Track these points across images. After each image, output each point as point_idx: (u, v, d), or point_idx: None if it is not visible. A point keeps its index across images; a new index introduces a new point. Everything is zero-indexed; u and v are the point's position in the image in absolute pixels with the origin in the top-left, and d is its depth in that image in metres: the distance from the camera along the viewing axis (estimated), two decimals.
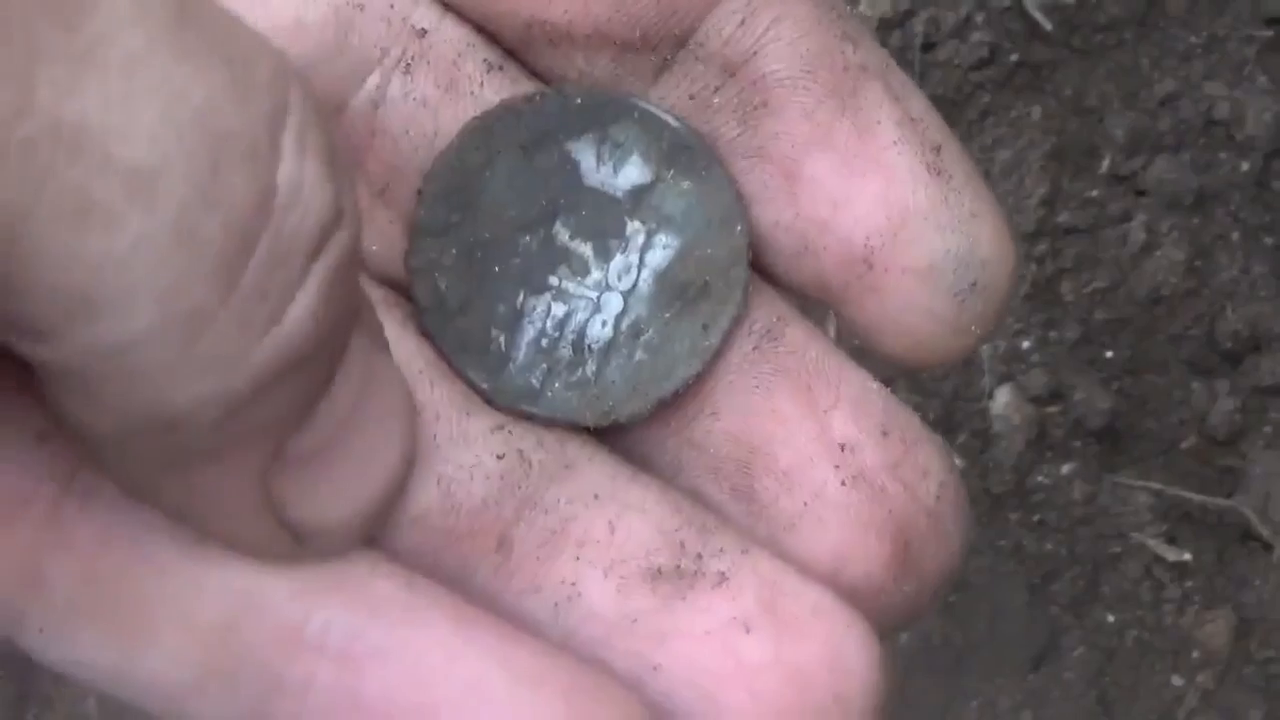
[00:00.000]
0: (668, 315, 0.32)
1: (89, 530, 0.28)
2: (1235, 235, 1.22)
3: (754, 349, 0.32)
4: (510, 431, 0.31)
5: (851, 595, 0.31)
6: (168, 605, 0.28)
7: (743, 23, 0.31)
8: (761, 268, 0.33)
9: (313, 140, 0.25)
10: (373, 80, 0.31)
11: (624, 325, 0.32)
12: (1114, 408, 1.20)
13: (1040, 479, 1.20)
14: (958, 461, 1.19)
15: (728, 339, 0.32)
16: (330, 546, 0.28)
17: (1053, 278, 1.22)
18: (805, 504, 0.31)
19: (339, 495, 0.28)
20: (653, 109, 0.32)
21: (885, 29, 1.21)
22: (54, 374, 0.25)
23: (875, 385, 0.32)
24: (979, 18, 1.22)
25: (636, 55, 0.31)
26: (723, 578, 0.30)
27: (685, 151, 0.32)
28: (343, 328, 0.26)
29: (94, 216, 0.23)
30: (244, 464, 0.27)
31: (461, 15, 0.32)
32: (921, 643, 1.18)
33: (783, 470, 0.31)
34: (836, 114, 0.30)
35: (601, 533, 0.30)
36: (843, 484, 0.31)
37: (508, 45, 0.32)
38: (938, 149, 0.30)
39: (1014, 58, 1.22)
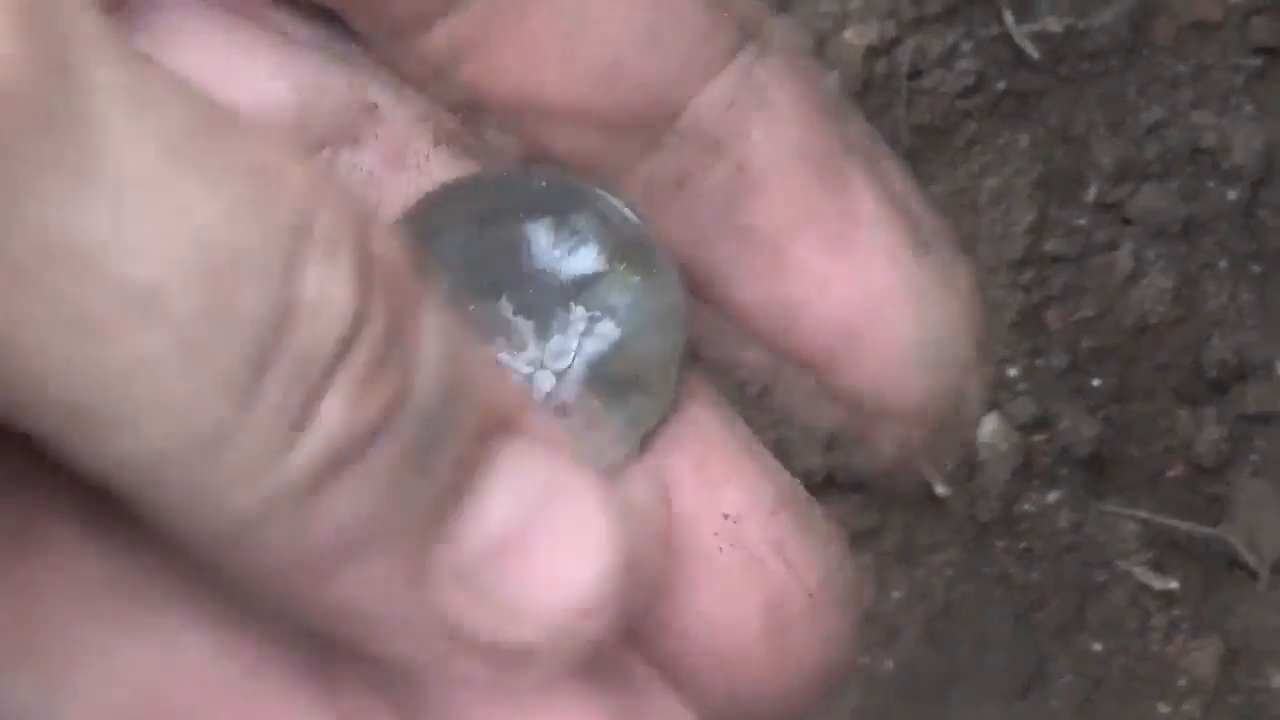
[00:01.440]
0: (596, 402, 0.32)
1: (27, 580, 0.27)
2: (1222, 264, 1.22)
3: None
4: None
5: (722, 668, 0.31)
6: (92, 656, 0.27)
7: (731, 104, 0.31)
8: (747, 338, 0.33)
9: (345, 249, 0.25)
10: (325, 154, 0.32)
11: (552, 405, 0.32)
12: (1100, 436, 1.20)
13: (1026, 507, 1.20)
14: (944, 489, 1.19)
15: (650, 435, 0.32)
16: (537, 669, 0.27)
17: (1039, 306, 1.22)
18: (681, 565, 0.31)
19: (527, 603, 0.27)
20: (614, 202, 0.32)
21: (872, 57, 1.22)
22: (111, 485, 0.25)
23: (778, 470, 0.32)
24: (966, 46, 1.23)
25: (625, 133, 0.32)
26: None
27: (639, 248, 0.32)
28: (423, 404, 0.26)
29: (90, 332, 0.23)
30: (386, 567, 0.26)
31: (448, 88, 0.32)
32: (907, 670, 1.18)
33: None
34: (822, 195, 0.31)
35: None
36: (720, 550, 0.31)
37: (499, 117, 0.32)
38: (918, 227, 0.31)
39: (1001, 86, 1.23)
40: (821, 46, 1.21)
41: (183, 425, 0.24)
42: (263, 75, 0.31)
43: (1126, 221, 1.22)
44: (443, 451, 0.26)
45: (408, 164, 0.32)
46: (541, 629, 0.27)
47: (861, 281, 0.31)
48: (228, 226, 0.23)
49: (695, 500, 0.31)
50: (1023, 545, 1.20)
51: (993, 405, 1.21)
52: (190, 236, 0.23)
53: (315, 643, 0.28)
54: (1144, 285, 1.22)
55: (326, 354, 0.24)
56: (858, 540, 1.18)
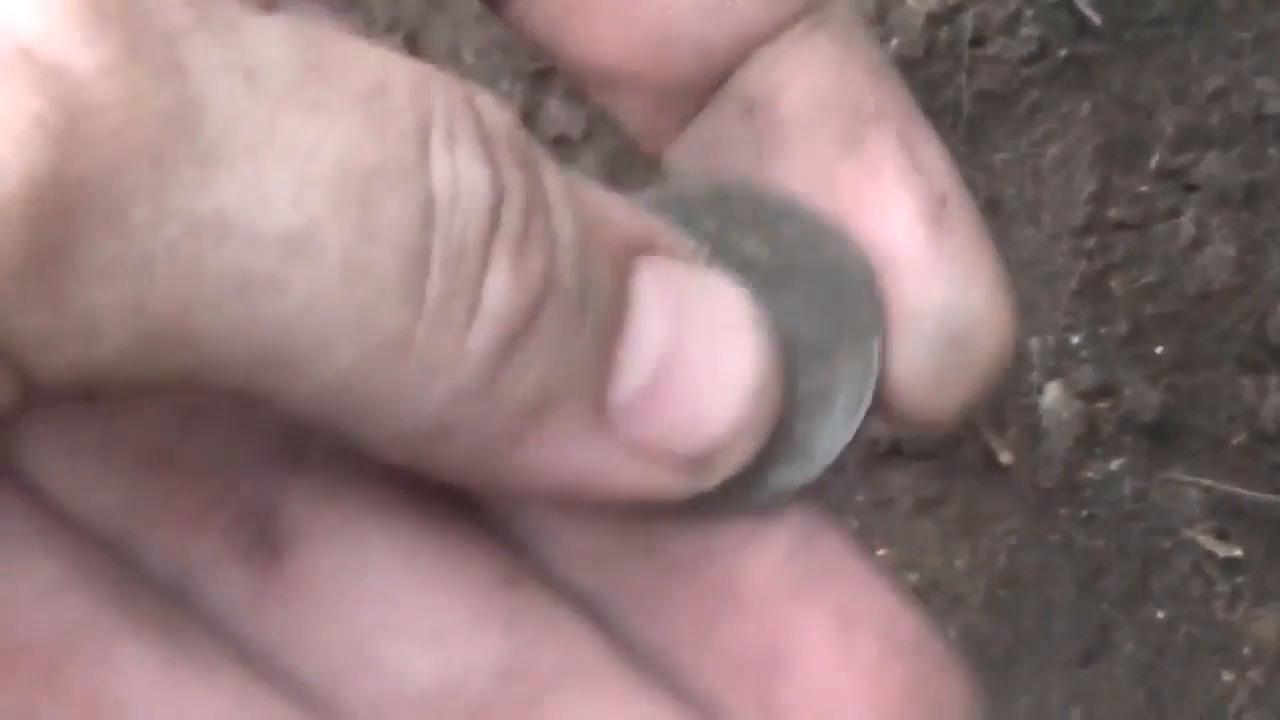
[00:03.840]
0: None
1: (85, 687, 0.28)
2: None
3: (788, 555, 0.31)
4: (522, 622, 0.31)
5: None
6: None
7: (769, 68, 0.31)
8: None
9: (462, 130, 0.26)
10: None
11: None
12: (1164, 403, 1.20)
13: (1090, 475, 1.20)
14: (1008, 458, 1.19)
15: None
16: (722, 468, 0.29)
17: (1102, 273, 1.21)
18: (821, 715, 0.30)
19: (704, 407, 0.28)
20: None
21: (934, 24, 1.21)
22: (304, 418, 0.26)
23: (907, 607, 0.31)
24: (1028, 12, 1.22)
25: (675, 98, 0.32)
26: None
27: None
28: (565, 271, 0.27)
29: (257, 287, 0.24)
30: (570, 419, 0.27)
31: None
32: (970, 639, 1.18)
33: (803, 681, 0.30)
34: (841, 157, 0.31)
35: None
36: (861, 701, 0.30)
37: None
38: (943, 200, 0.30)
39: (1063, 53, 1.22)
40: (884, 13, 1.21)
41: (364, 342, 0.25)
42: None
43: (1189, 188, 1.22)
44: (597, 295, 0.27)
45: None
46: (721, 425, 0.29)
47: (872, 245, 0.30)
48: (355, 151, 0.25)
49: (837, 653, 0.31)
50: (1086, 513, 1.20)
51: (1055, 373, 1.20)
52: (325, 173, 0.24)
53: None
54: (1207, 252, 1.21)
55: (477, 235, 0.26)
56: (921, 509, 1.18)
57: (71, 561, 0.29)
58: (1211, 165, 1.22)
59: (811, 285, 0.31)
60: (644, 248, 0.29)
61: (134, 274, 0.23)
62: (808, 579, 0.31)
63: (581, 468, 0.28)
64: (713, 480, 0.29)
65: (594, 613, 0.31)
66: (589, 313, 0.27)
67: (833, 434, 0.31)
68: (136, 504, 0.30)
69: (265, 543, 0.30)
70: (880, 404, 0.31)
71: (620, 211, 0.29)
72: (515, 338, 0.26)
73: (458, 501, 0.31)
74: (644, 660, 0.31)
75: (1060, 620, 1.19)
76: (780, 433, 0.30)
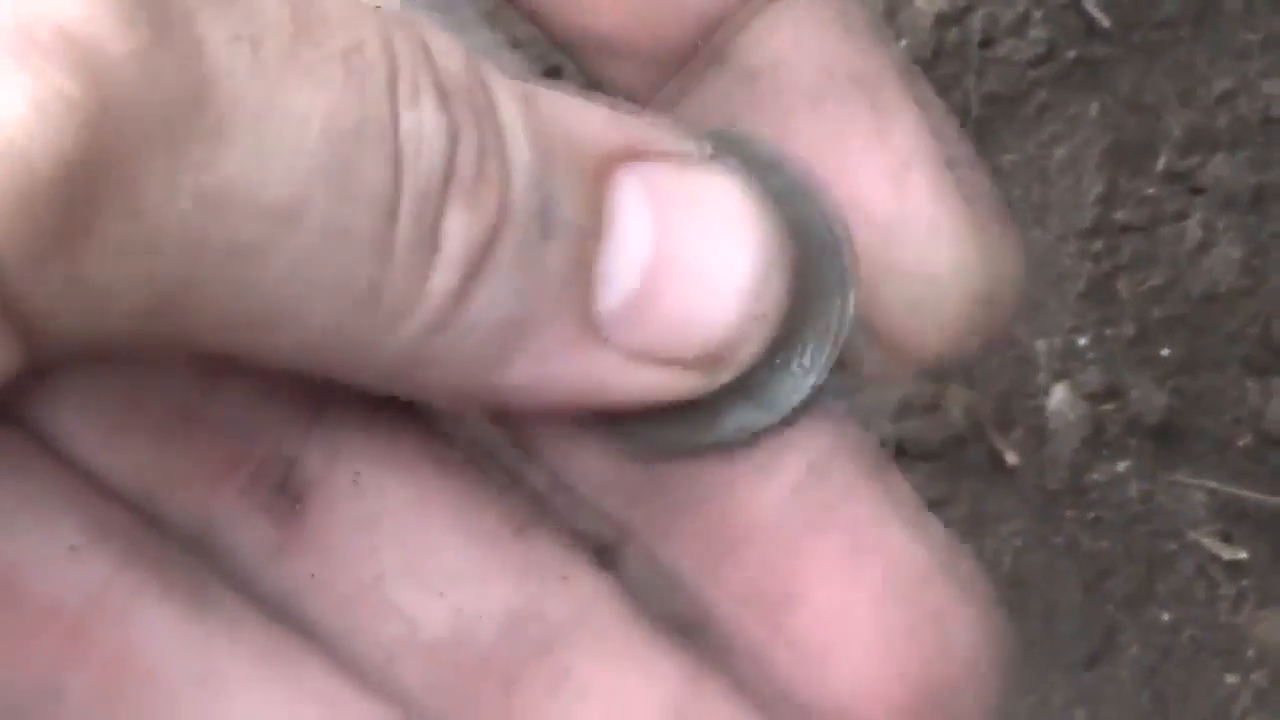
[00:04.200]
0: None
1: (110, 647, 0.28)
2: None
3: (801, 482, 0.31)
4: (534, 571, 0.31)
5: None
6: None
7: (769, 35, 0.32)
8: None
9: (424, 80, 0.26)
10: None
11: None
12: (1170, 405, 1.20)
13: (1096, 476, 1.20)
14: (1014, 459, 1.19)
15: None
16: (738, 353, 0.29)
17: (1109, 275, 1.21)
18: (835, 643, 0.31)
19: (704, 307, 0.29)
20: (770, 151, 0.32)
21: (943, 25, 1.21)
22: (288, 366, 0.27)
23: (922, 538, 0.31)
24: (1037, 14, 1.22)
25: (668, 67, 0.33)
26: None
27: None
28: (533, 195, 0.27)
29: (248, 254, 0.25)
30: (554, 333, 0.28)
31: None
32: None
33: (816, 610, 0.31)
34: (850, 120, 0.31)
35: (608, 689, 0.30)
36: (876, 631, 0.30)
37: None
38: (953, 160, 0.31)
39: (1071, 54, 1.22)
40: (893, 14, 1.21)
41: (343, 296, 0.26)
42: None
43: (1196, 191, 1.22)
44: (564, 213, 0.28)
45: None
46: (720, 323, 0.29)
47: (887, 206, 0.31)
48: (338, 114, 0.25)
49: (850, 583, 0.31)
50: (1092, 515, 1.20)
51: (1062, 374, 1.20)
52: (313, 140, 0.25)
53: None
54: (1213, 255, 1.21)
55: (437, 181, 0.26)
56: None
57: (95, 522, 0.29)
58: (1219, 168, 1.22)
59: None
60: (628, 155, 0.29)
61: (146, 249, 0.24)
62: (817, 511, 0.31)
63: (574, 380, 0.28)
64: (729, 374, 0.29)
65: (607, 555, 0.32)
66: (556, 232, 0.28)
67: (794, 387, 0.31)
68: (161, 461, 0.30)
69: (285, 495, 0.30)
70: (846, 358, 0.32)
71: (598, 124, 0.29)
72: (472, 273, 0.27)
73: (473, 451, 0.31)
74: (655, 609, 0.31)
75: (1065, 622, 1.19)
76: (742, 378, 0.31)
